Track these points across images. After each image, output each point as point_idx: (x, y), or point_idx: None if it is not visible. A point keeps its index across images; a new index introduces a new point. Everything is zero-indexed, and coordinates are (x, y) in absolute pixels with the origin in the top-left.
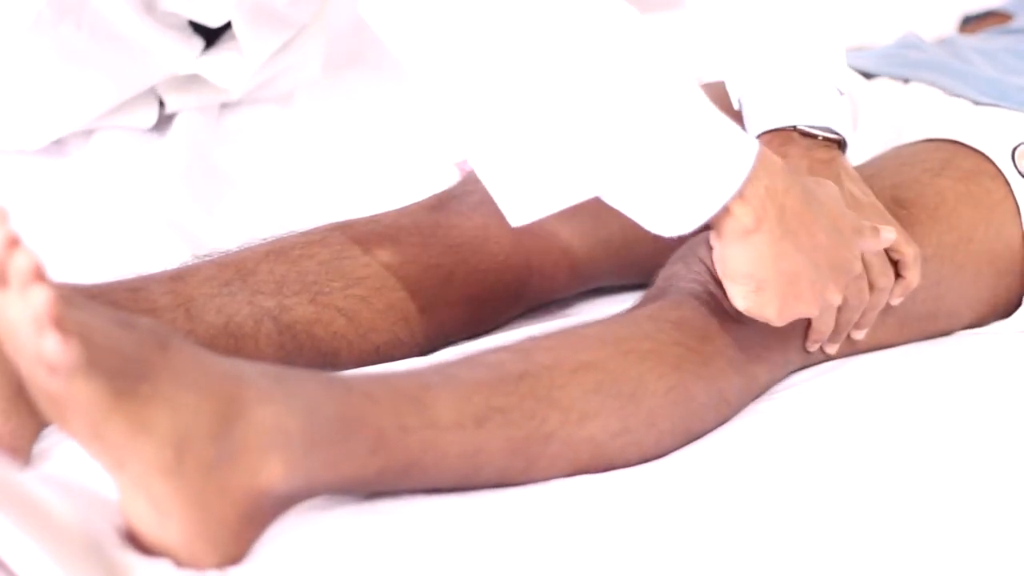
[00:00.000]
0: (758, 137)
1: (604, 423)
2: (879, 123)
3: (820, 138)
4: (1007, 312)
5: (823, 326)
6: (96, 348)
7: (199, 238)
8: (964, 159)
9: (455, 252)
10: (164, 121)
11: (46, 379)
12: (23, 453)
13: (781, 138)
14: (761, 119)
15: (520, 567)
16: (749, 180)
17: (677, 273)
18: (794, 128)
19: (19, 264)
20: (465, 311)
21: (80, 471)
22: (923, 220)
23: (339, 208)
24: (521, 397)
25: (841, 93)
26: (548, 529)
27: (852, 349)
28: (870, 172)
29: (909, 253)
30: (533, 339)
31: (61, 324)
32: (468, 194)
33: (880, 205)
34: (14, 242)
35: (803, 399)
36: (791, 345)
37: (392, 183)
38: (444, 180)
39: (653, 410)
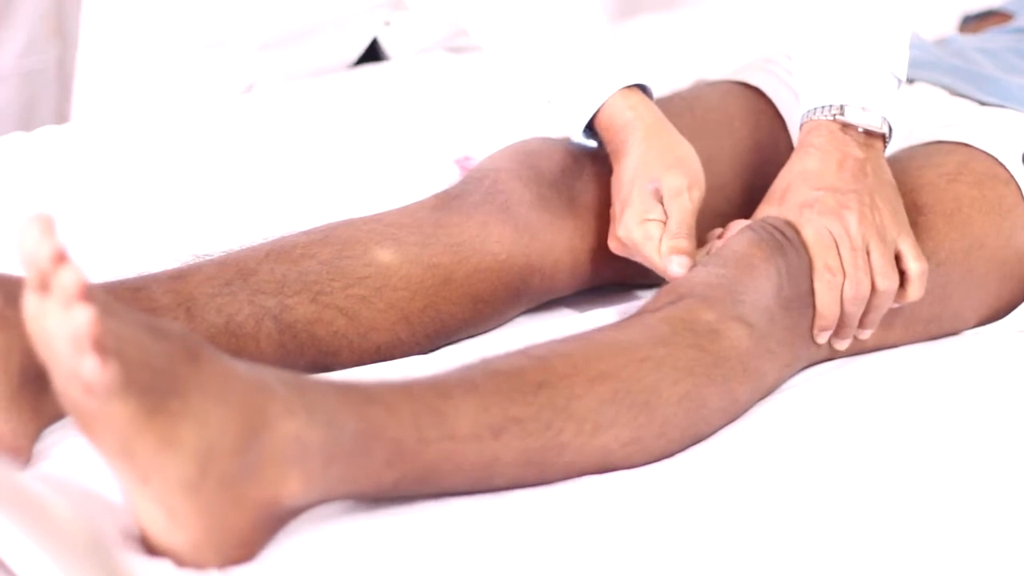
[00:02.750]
0: (803, 123)
1: (617, 433)
2: None
3: (860, 130)
4: (1009, 312)
5: (827, 310)
6: (131, 363)
7: (199, 238)
8: (978, 163)
9: (456, 251)
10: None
11: (81, 397)
12: (24, 452)
13: (821, 128)
14: (812, 93)
15: (527, 568)
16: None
17: (696, 275)
18: (833, 119)
19: (65, 281)
20: (466, 310)
21: (80, 470)
22: (939, 227)
23: (339, 207)
24: (539, 407)
25: (900, 82)
26: (555, 530)
27: (858, 348)
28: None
29: (914, 269)
30: (550, 345)
31: (101, 345)
32: (469, 193)
33: (903, 214)
34: (61, 257)
35: (806, 399)
36: (799, 343)
37: (392, 182)
38: (444, 178)
39: (666, 419)
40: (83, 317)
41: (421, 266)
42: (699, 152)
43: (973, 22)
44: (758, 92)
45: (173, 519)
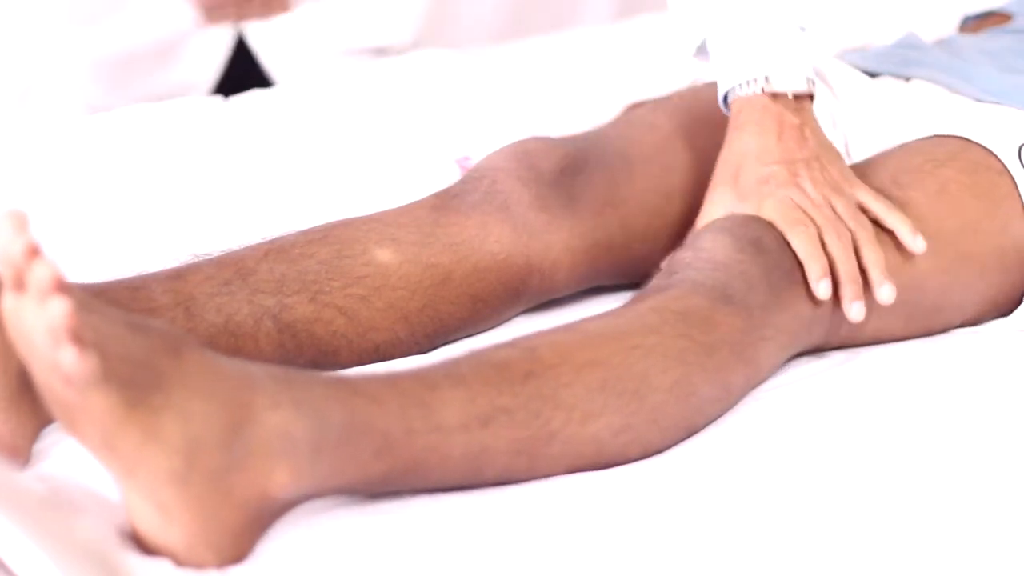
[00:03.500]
0: (729, 99)
1: (608, 421)
2: (883, 120)
3: (790, 96)
4: (1008, 310)
5: (810, 257)
6: (110, 357)
7: (198, 237)
8: (971, 153)
9: (454, 251)
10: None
11: (61, 389)
12: (23, 453)
13: (753, 103)
14: (733, 68)
15: (521, 564)
16: None
17: (685, 259)
18: (762, 91)
19: (39, 275)
20: (464, 309)
21: (79, 470)
22: (919, 202)
23: (339, 207)
24: (527, 397)
25: (803, 29)
26: (549, 527)
27: (859, 339)
28: (876, 162)
29: (879, 208)
30: (539, 335)
31: (78, 336)
32: (468, 192)
33: (849, 171)
34: (34, 251)
35: (802, 395)
36: (793, 327)
37: (392, 182)
38: (445, 177)
39: (656, 406)
40: (59, 309)
41: (420, 266)
42: (697, 151)
43: (973, 22)
44: None
45: (164, 514)
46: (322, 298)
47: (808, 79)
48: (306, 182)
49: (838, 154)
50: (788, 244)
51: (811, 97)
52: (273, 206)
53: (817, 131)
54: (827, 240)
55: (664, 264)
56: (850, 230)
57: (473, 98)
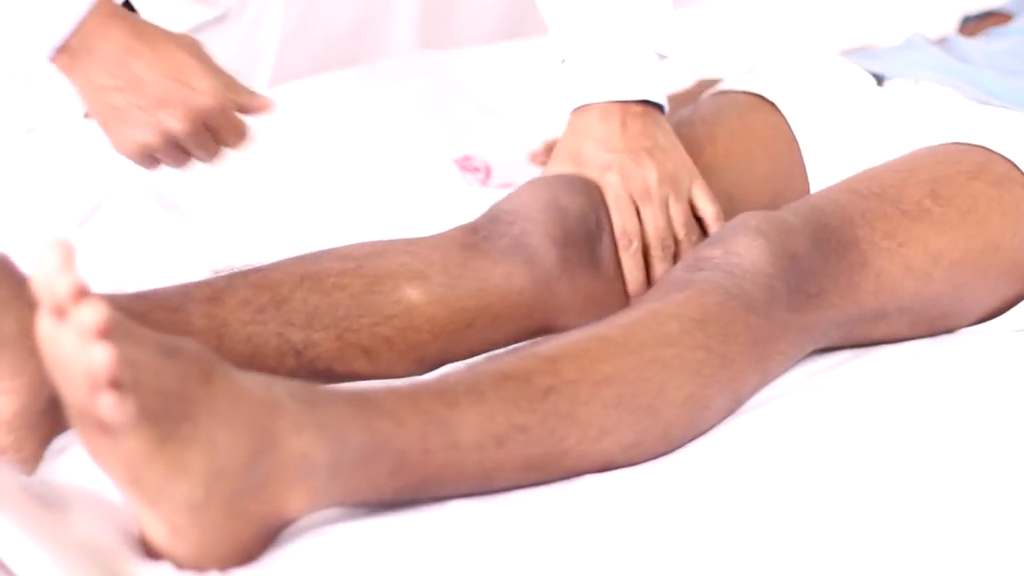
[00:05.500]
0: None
1: (619, 437)
2: (895, 124)
3: (636, 101)
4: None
5: (635, 280)
6: (144, 391)
7: (203, 240)
8: (996, 164)
9: (481, 296)
10: None
11: (95, 430)
12: (32, 461)
13: (597, 104)
14: (580, 92)
15: (528, 569)
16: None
17: (713, 257)
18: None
19: (85, 318)
20: (477, 353)
21: (82, 471)
22: (954, 222)
23: (340, 208)
24: (544, 414)
25: (662, 57)
26: (556, 530)
27: (865, 339)
28: (908, 167)
29: (709, 213)
30: (560, 344)
31: (117, 382)
32: (497, 236)
33: (690, 162)
34: (80, 293)
35: (806, 397)
36: (811, 340)
37: (393, 182)
38: (444, 178)
39: (669, 421)
40: (101, 356)
41: (447, 308)
42: (720, 190)
43: (973, 23)
44: (773, 107)
45: (176, 535)
46: (348, 336)
47: (658, 93)
48: (308, 183)
49: (680, 146)
50: (822, 261)
51: (661, 109)
52: (274, 206)
53: (660, 123)
54: (652, 252)
55: (691, 257)
56: (674, 232)
57: (473, 98)
